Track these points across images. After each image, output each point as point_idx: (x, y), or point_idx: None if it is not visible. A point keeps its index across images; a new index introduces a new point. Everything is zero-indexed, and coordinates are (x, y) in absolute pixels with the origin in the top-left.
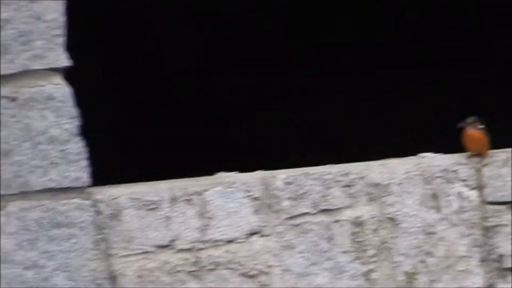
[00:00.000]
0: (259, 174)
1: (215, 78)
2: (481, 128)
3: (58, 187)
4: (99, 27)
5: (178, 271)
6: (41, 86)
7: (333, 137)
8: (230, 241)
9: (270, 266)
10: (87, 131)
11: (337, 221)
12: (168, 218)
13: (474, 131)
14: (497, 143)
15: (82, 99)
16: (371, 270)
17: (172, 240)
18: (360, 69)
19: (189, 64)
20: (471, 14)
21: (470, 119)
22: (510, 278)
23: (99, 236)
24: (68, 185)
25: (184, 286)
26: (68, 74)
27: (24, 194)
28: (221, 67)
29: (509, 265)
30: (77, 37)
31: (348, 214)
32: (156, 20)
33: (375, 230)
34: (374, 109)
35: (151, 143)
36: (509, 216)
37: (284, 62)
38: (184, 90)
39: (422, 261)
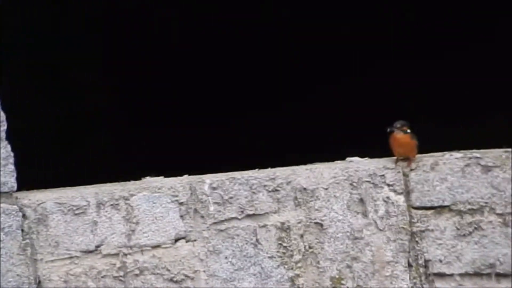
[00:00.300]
0: (185, 178)
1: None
2: (409, 133)
3: None
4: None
5: (104, 276)
6: None
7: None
8: (156, 246)
9: (196, 271)
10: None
11: (263, 226)
12: (94, 223)
13: (402, 136)
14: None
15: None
16: (297, 275)
17: (98, 245)
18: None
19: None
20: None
21: (398, 123)
22: (437, 283)
23: (25, 241)
24: None
25: None
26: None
27: None
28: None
29: (435, 270)
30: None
31: (275, 219)
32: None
33: (301, 235)
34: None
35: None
36: (436, 221)
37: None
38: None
39: (349, 266)
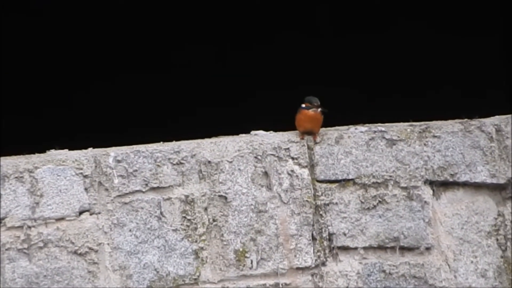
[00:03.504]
0: (90, 151)
1: None
2: (318, 107)
3: None
4: None
5: (8, 249)
6: None
7: None
8: (60, 219)
9: (100, 244)
10: None
11: (168, 199)
12: None
13: (313, 112)
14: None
15: None
16: (201, 248)
17: (3, 218)
18: None
19: None
20: None
21: (307, 99)
22: (341, 256)
23: None
24: None
25: (14, 263)
26: None
27: None
28: None
29: (339, 244)
30: None
31: (179, 192)
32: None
33: (205, 208)
34: None
35: None
36: (340, 194)
37: None
38: None
39: (253, 240)
